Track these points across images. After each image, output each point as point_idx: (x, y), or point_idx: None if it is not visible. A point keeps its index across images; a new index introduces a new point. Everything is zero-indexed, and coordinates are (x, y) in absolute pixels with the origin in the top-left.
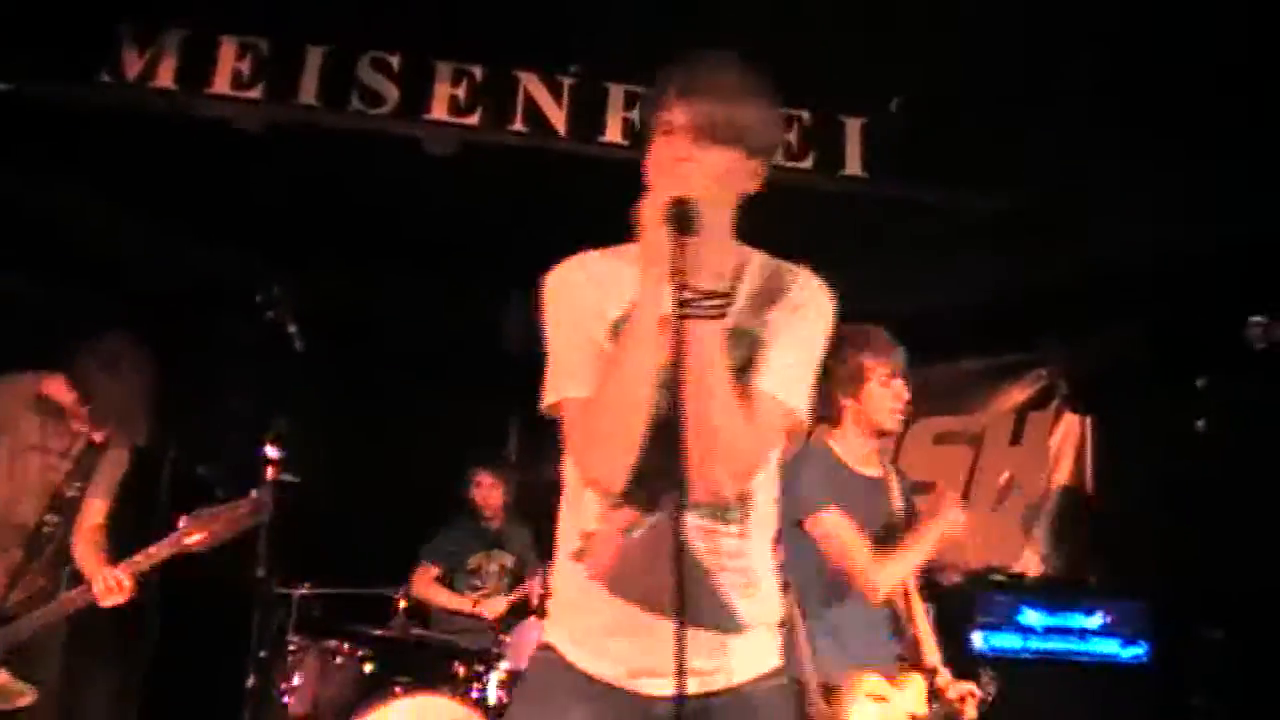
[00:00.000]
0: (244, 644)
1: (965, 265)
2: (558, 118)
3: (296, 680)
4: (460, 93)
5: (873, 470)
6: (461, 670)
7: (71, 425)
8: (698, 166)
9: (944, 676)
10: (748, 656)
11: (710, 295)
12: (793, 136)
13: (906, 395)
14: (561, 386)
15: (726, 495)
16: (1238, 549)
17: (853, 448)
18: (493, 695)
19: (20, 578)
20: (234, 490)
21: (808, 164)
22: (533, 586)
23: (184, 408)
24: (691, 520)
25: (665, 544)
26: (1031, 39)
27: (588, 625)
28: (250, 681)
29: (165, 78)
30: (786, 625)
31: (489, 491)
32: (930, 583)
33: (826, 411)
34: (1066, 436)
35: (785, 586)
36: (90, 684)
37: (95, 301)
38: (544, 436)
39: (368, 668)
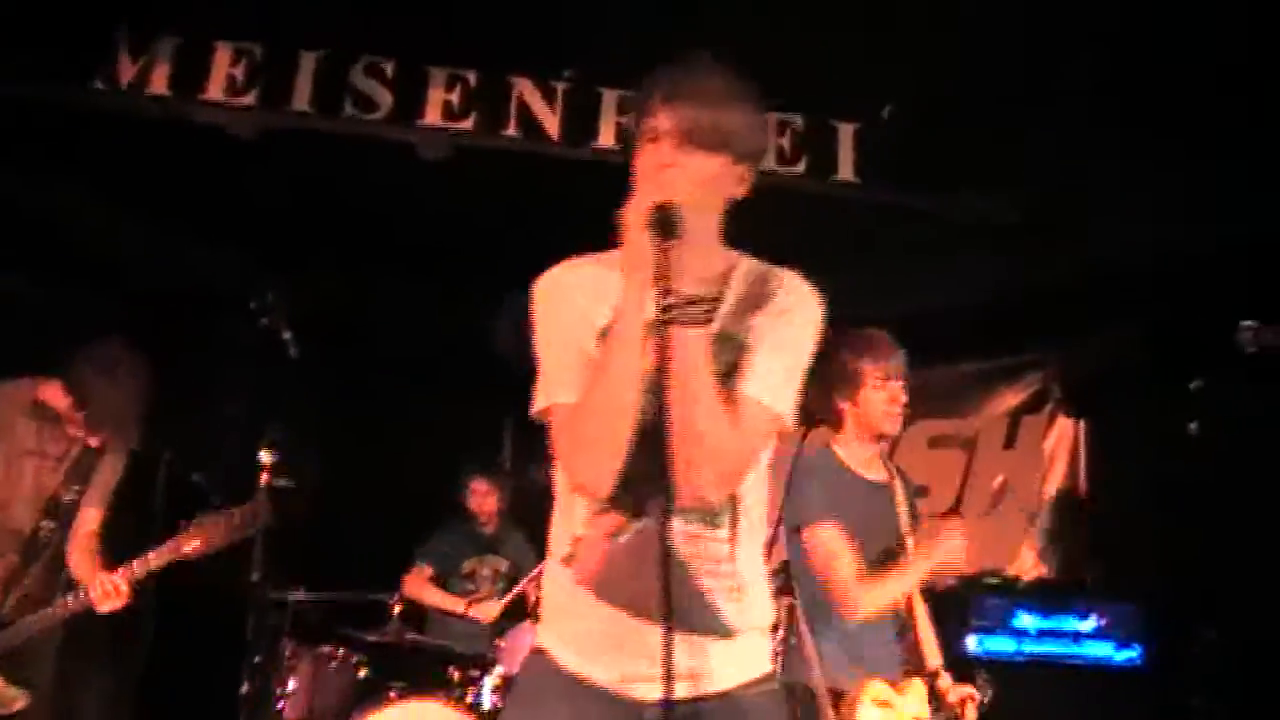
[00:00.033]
0: (239, 649)
1: (958, 269)
2: (551, 123)
3: (291, 685)
4: (454, 98)
5: (877, 474)
6: (456, 675)
7: (68, 430)
8: (681, 172)
9: (945, 680)
10: (738, 661)
11: (694, 301)
12: (785, 141)
13: (905, 399)
14: (550, 392)
15: (712, 500)
16: (1232, 551)
17: (856, 452)
18: (487, 700)
19: (16, 583)
20: (229, 495)
21: (800, 169)
22: (528, 590)
23: (179, 412)
24: (679, 526)
25: (651, 549)
26: (1031, 39)
27: (578, 630)
28: (245, 687)
29: (159, 84)
30: (790, 631)
31: (484, 499)
32: (924, 586)
33: (828, 416)
34: (1060, 440)
35: (782, 591)
36: (84, 689)
37: (90, 305)
38: (538, 440)
39: (362, 673)
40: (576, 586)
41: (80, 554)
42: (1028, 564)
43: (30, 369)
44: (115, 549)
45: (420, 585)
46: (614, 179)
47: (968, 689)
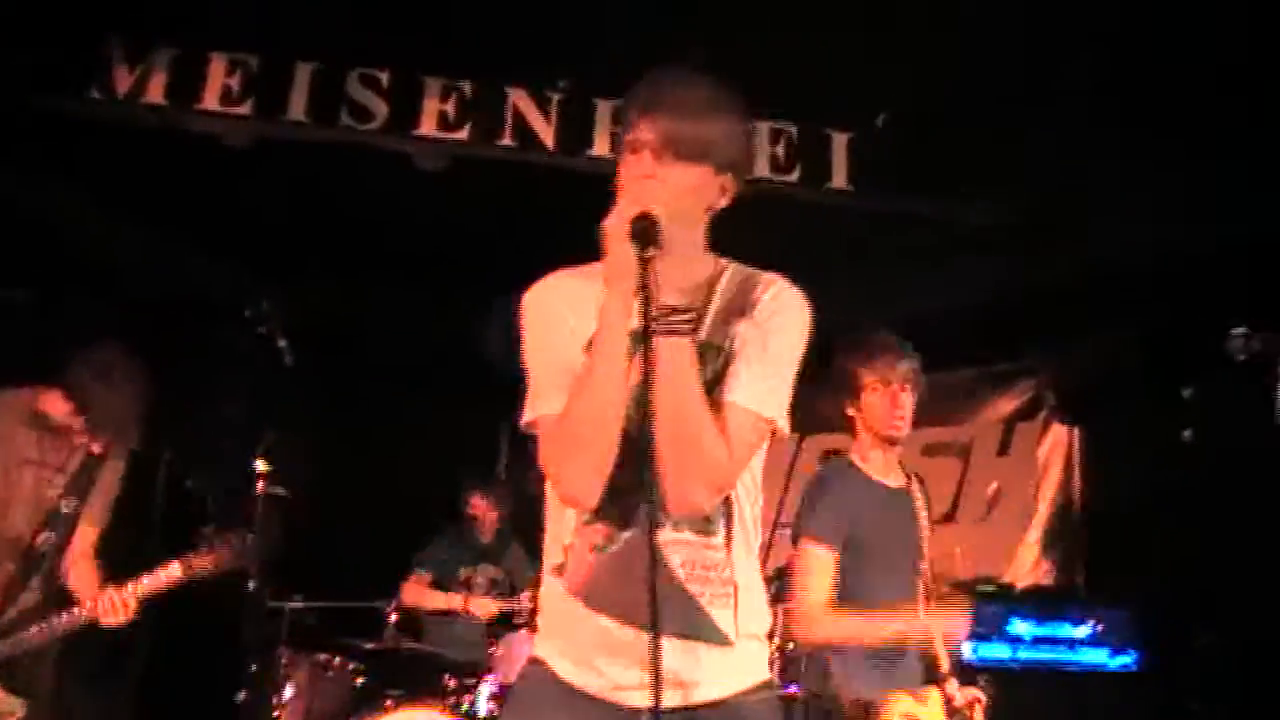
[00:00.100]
0: (236, 657)
1: (952, 277)
2: (546, 132)
3: (288, 693)
4: (449, 108)
5: (894, 480)
6: (452, 683)
7: (70, 440)
8: (661, 183)
9: (952, 685)
10: (735, 669)
11: (677, 310)
12: (780, 150)
13: (908, 403)
14: (536, 405)
15: (703, 508)
16: (1227, 557)
17: (873, 458)
18: (483, 708)
19: (14, 593)
20: (224, 501)
21: (794, 177)
22: (523, 599)
23: (175, 419)
24: (671, 534)
25: (640, 558)
26: (1031, 39)
27: (572, 639)
28: (242, 695)
29: (155, 94)
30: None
31: (483, 515)
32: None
33: (841, 422)
34: (1055, 447)
35: (778, 599)
36: (83, 698)
37: (86, 313)
38: (533, 447)
39: (359, 681)
40: (568, 596)
41: (80, 568)
42: (1023, 571)
43: (27, 377)
44: (112, 556)
45: (419, 593)
46: (609, 188)
47: (974, 691)
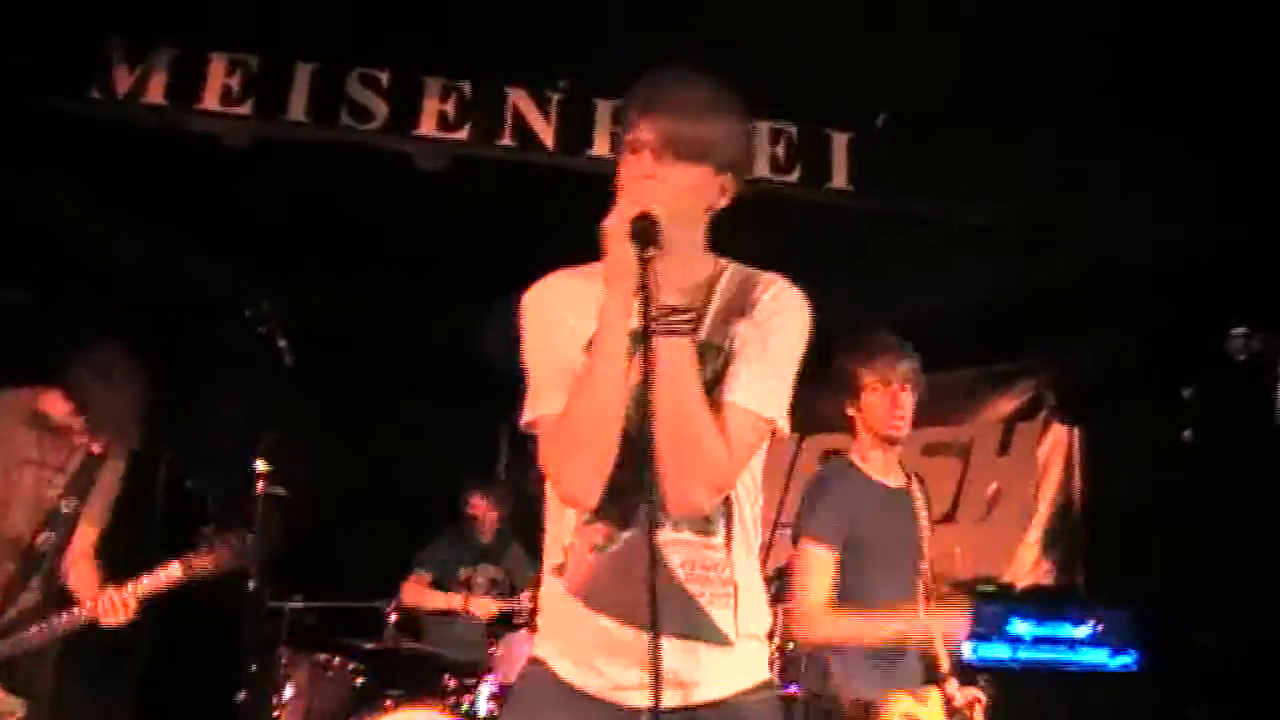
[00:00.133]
0: (235, 657)
1: (952, 277)
2: (546, 132)
3: (288, 693)
4: (449, 108)
5: (895, 480)
6: (452, 683)
7: (70, 440)
8: (661, 182)
9: (952, 685)
10: (736, 669)
11: (677, 310)
12: (780, 150)
13: (908, 403)
14: (536, 405)
15: (703, 508)
16: (1227, 557)
17: (874, 458)
18: (483, 708)
19: (14, 593)
20: (224, 500)
21: (794, 178)
22: (522, 599)
23: (175, 419)
24: (671, 534)
25: (640, 558)
26: (1031, 39)
27: (572, 639)
28: (242, 695)
29: (155, 94)
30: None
31: (483, 515)
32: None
33: (842, 422)
34: (1055, 447)
35: (778, 598)
36: (82, 697)
37: (86, 313)
38: (533, 446)
39: (359, 681)
40: (568, 596)
41: (80, 568)
42: (1023, 571)
43: (27, 377)
44: (112, 556)
45: (419, 592)
46: (609, 188)
47: (974, 691)
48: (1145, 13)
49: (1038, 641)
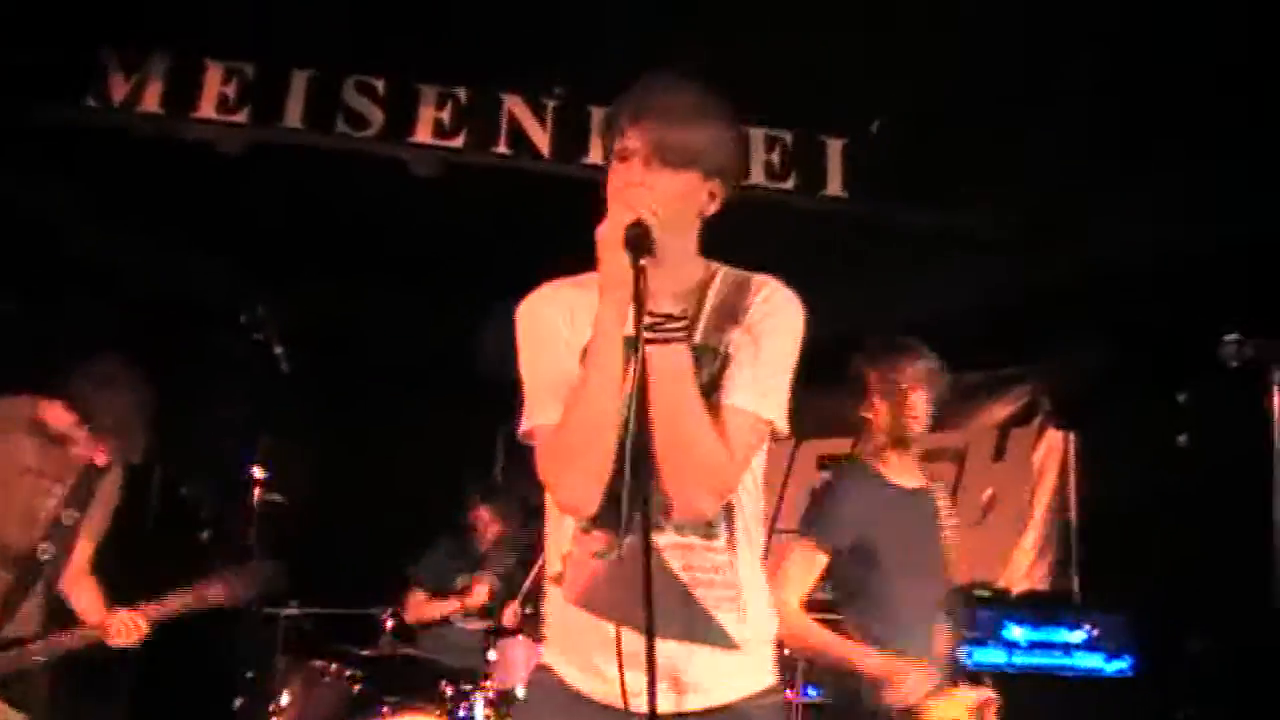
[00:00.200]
0: (232, 664)
1: (946, 282)
2: (541, 139)
3: (284, 700)
4: (445, 115)
5: (912, 481)
6: (449, 689)
7: (70, 451)
8: (650, 190)
9: (963, 688)
10: (742, 673)
11: (671, 317)
12: (775, 157)
13: (920, 403)
14: (534, 415)
15: (707, 512)
16: (1221, 562)
17: (891, 460)
18: (479, 714)
19: (13, 603)
20: (219, 507)
21: (789, 184)
22: (513, 606)
23: (170, 425)
24: (674, 538)
25: (640, 564)
26: (1031, 39)
27: (576, 645)
28: (238, 702)
29: (151, 102)
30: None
31: (484, 527)
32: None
33: (837, 427)
34: (1050, 452)
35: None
36: (78, 706)
37: (82, 319)
38: (531, 451)
39: (355, 687)
40: (570, 604)
41: (81, 585)
42: (1018, 576)
43: (23, 383)
44: (106, 562)
45: (420, 608)
46: (603, 195)
47: (987, 692)
48: (1145, 13)
49: (1033, 646)
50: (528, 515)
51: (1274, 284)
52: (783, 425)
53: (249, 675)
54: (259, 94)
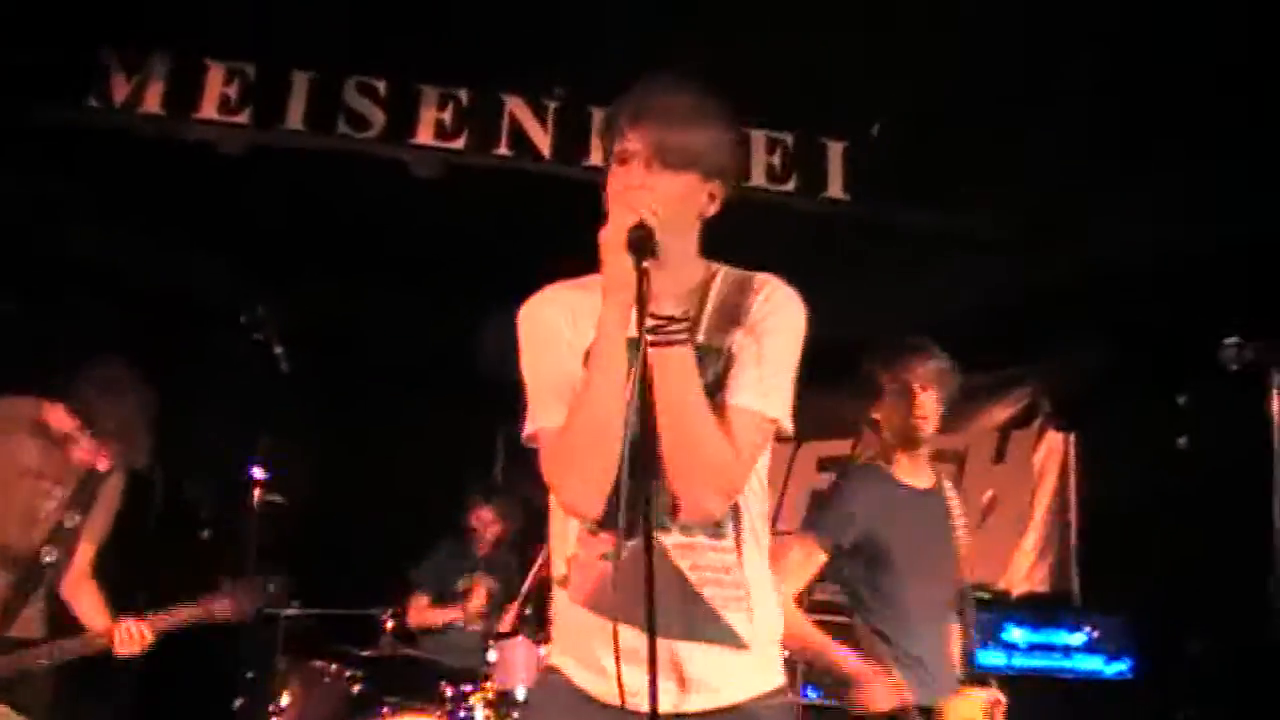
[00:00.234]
0: (232, 664)
1: (947, 284)
2: (542, 141)
3: (284, 701)
4: (446, 116)
5: (923, 481)
6: (449, 690)
7: (71, 455)
8: (651, 192)
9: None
10: (750, 673)
11: (674, 319)
12: (776, 159)
13: (929, 403)
14: (537, 418)
15: (716, 513)
16: (1220, 565)
17: (901, 460)
18: (479, 715)
19: (14, 607)
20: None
21: (790, 187)
22: (513, 609)
23: (170, 425)
24: (681, 538)
25: (647, 565)
26: (1031, 39)
27: (584, 646)
28: (239, 702)
29: (152, 103)
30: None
31: (487, 526)
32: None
33: (871, 425)
34: (1050, 454)
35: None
36: (79, 706)
37: (82, 319)
38: (531, 452)
39: (355, 688)
40: (576, 606)
41: (82, 590)
42: (1018, 578)
43: (24, 383)
44: (107, 565)
45: (421, 613)
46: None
47: (995, 693)
48: (1145, 13)
49: (1033, 649)
50: (528, 516)
51: (1274, 284)
52: (787, 423)
53: (249, 675)
54: (260, 95)
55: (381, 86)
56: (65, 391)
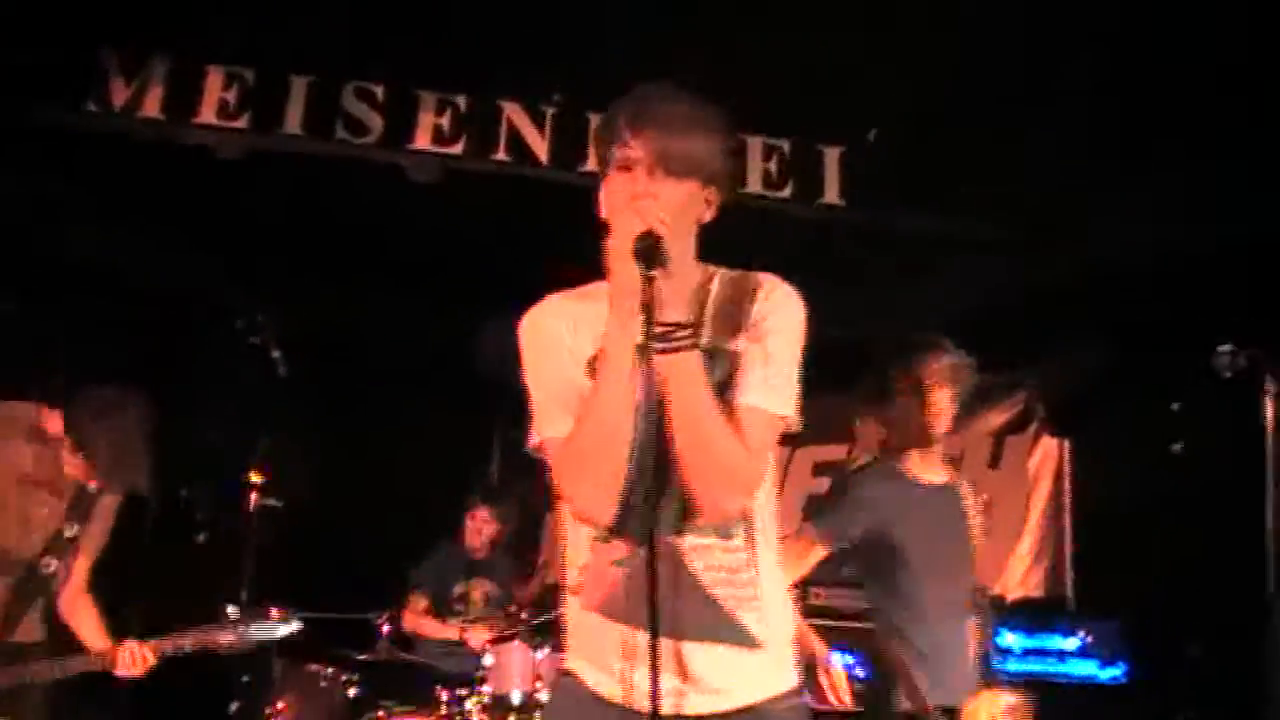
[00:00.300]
0: (228, 668)
1: (943, 289)
2: (540, 146)
3: (280, 704)
4: (444, 122)
5: (938, 477)
6: (445, 694)
7: (67, 464)
8: (655, 199)
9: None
10: (765, 673)
11: (680, 326)
12: (772, 166)
13: (943, 400)
14: (542, 428)
15: (734, 514)
16: (1216, 569)
17: (914, 457)
18: (475, 719)
19: (14, 615)
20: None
21: (787, 193)
22: (513, 615)
23: (167, 429)
24: (693, 540)
25: (660, 569)
26: (1031, 39)
27: (597, 650)
28: (235, 705)
29: (152, 107)
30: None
31: (482, 525)
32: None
33: (884, 422)
34: (1045, 460)
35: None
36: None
37: (79, 322)
38: (527, 456)
39: (352, 692)
40: (589, 612)
41: (78, 605)
42: (1013, 583)
43: (23, 383)
44: (103, 566)
45: (417, 619)
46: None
47: (1020, 696)
48: (1145, 13)
49: (1027, 654)
50: (524, 517)
51: (1274, 285)
52: (795, 420)
53: (245, 679)
54: (259, 100)
55: (380, 92)
56: (63, 402)
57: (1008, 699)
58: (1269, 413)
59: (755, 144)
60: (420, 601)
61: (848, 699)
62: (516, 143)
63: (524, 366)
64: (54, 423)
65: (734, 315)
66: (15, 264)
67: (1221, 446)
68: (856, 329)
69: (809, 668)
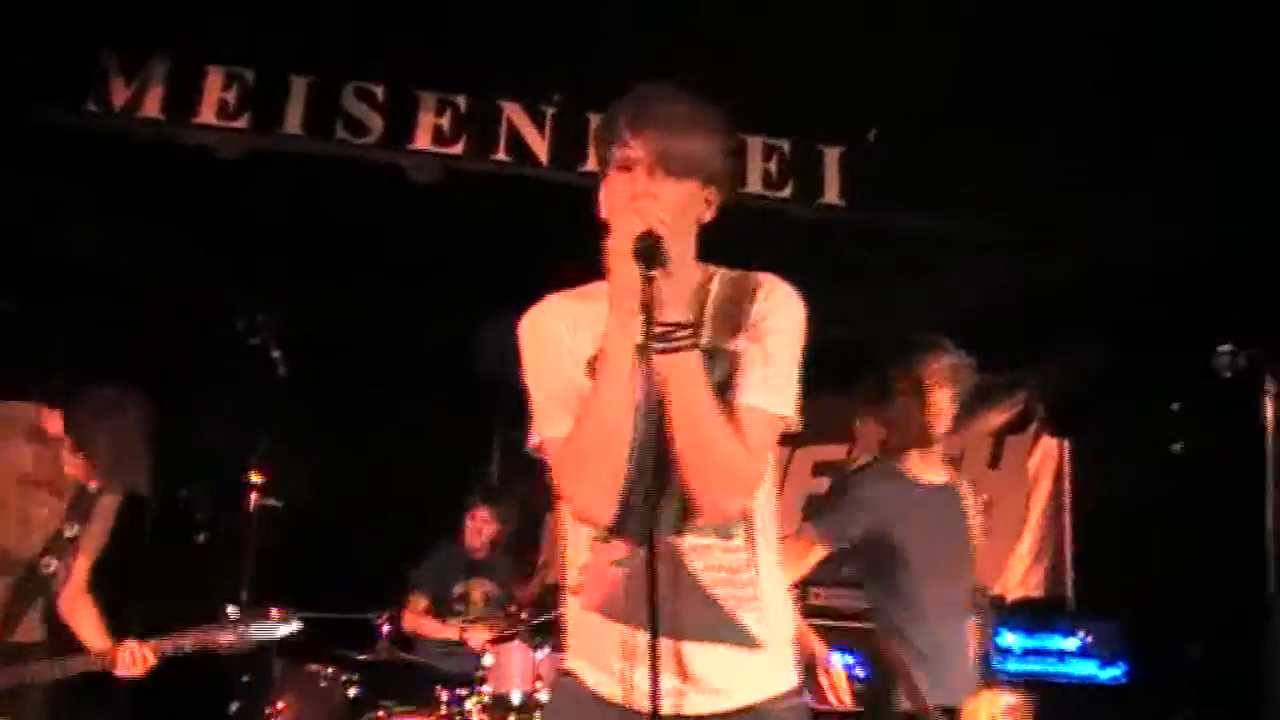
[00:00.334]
0: (228, 668)
1: (943, 289)
2: (540, 146)
3: (280, 704)
4: (444, 122)
5: (938, 477)
6: (445, 694)
7: (67, 464)
8: (656, 200)
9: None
10: (765, 673)
11: (680, 326)
12: (772, 166)
13: (942, 400)
14: (542, 428)
15: (736, 513)
16: (1215, 569)
17: (914, 457)
18: (475, 719)
19: (14, 614)
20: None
21: (787, 193)
22: (513, 614)
23: (167, 429)
24: (693, 540)
25: (660, 569)
26: (1031, 39)
27: (597, 650)
28: (235, 705)
29: (152, 107)
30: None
31: (482, 525)
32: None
33: (884, 423)
34: (1044, 460)
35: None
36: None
37: (78, 322)
38: (526, 455)
39: (352, 691)
40: (589, 612)
41: (78, 605)
42: (1012, 583)
43: (23, 382)
44: (102, 566)
45: (417, 619)
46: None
47: (1021, 697)
48: (1145, 13)
49: (1027, 654)
50: (524, 517)
51: (1274, 285)
52: (795, 420)
53: (245, 679)
54: (259, 100)
55: (380, 92)
56: (63, 402)
57: (1008, 699)
58: (1269, 413)
59: (755, 144)
60: (420, 601)
61: (848, 699)
62: (516, 143)
63: (524, 366)
64: (54, 423)
65: (734, 315)
66: (15, 264)
67: (1221, 446)
68: (856, 329)
69: (809, 668)
